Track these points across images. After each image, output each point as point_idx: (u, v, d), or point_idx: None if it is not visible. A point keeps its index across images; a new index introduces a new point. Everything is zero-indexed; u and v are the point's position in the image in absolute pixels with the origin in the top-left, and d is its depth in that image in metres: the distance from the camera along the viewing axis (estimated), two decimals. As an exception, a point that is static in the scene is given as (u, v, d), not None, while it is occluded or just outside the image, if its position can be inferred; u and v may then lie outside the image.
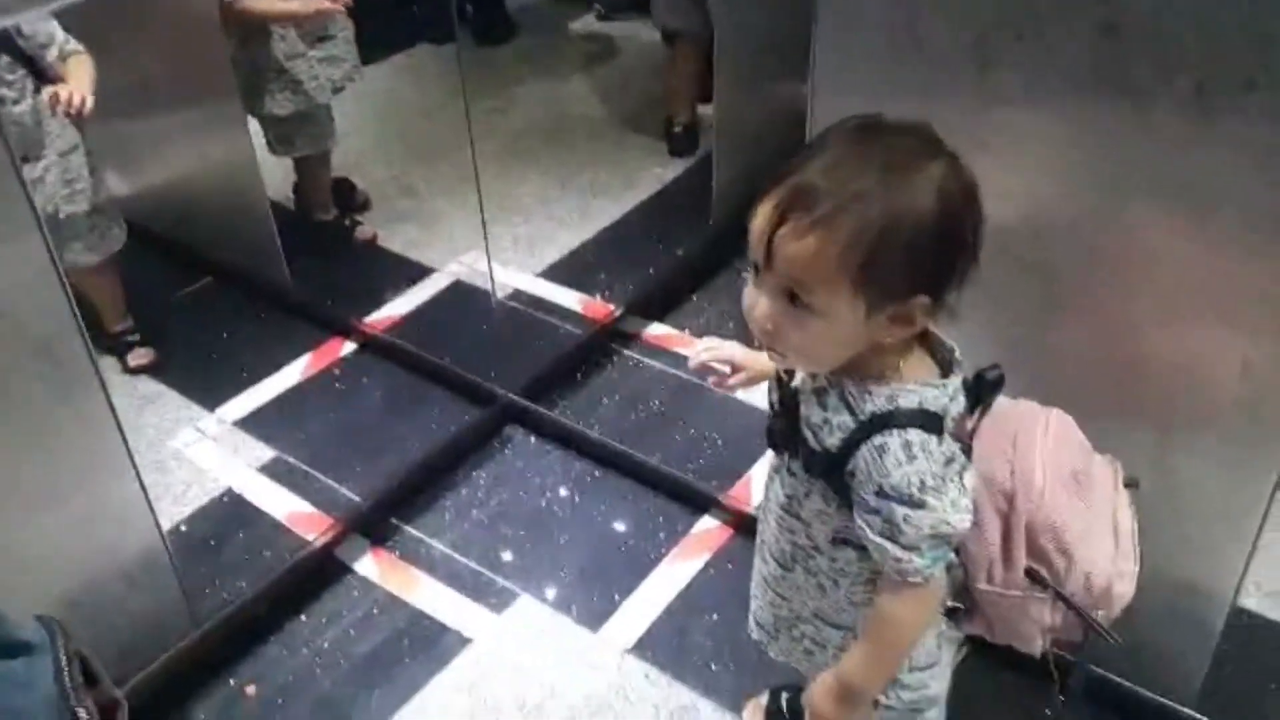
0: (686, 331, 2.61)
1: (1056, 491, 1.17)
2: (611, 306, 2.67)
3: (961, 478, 1.12)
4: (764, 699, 1.75)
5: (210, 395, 2.48)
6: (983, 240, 1.07)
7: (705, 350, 1.37)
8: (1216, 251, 1.31)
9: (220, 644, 1.90)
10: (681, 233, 2.88)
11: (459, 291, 2.79)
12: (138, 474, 1.72)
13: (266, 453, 2.33)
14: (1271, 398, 1.34)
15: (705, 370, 1.37)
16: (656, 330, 2.63)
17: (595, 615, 1.95)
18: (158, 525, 1.77)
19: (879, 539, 1.11)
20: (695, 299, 2.71)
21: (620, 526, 2.13)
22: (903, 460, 1.08)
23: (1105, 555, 1.19)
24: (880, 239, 1.01)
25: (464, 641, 1.92)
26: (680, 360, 2.52)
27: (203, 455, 2.33)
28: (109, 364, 2.52)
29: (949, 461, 1.10)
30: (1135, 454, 1.35)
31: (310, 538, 2.09)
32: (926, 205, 1.02)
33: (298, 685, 1.86)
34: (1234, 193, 1.27)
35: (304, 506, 2.19)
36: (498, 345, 2.59)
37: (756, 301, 1.10)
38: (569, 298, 2.74)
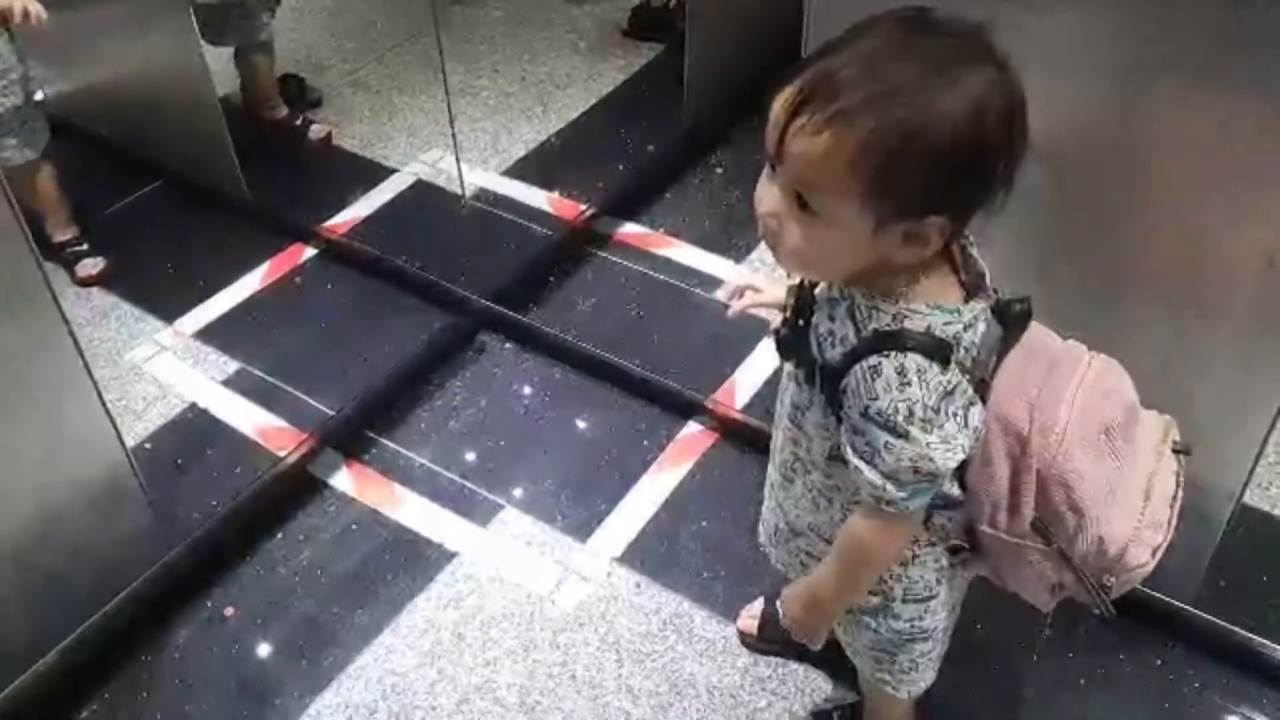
0: (661, 231, 2.52)
1: (1076, 445, 1.07)
2: (582, 206, 2.57)
3: (966, 414, 1.03)
4: (758, 606, 1.72)
5: (167, 306, 2.37)
6: (1019, 166, 0.97)
7: (739, 300, 1.32)
8: (1242, 142, 1.25)
9: (196, 565, 1.84)
10: (652, 126, 2.77)
11: (422, 192, 2.67)
12: (98, 391, 1.64)
13: (230, 365, 2.23)
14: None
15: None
16: (630, 229, 2.54)
17: (582, 525, 1.91)
18: (123, 445, 1.70)
19: (858, 461, 1.05)
20: (669, 196, 2.62)
21: (603, 434, 2.08)
22: (893, 385, 1.00)
23: (1126, 519, 1.10)
24: (901, 147, 0.91)
25: (449, 556, 1.87)
26: (657, 260, 2.45)
27: (163, 369, 2.23)
28: (58, 276, 2.40)
29: (948, 394, 1.01)
30: (1149, 349, 1.32)
31: (282, 453, 2.01)
32: (960, 117, 0.91)
33: (279, 605, 1.81)
34: (1262, 79, 1.20)
35: (273, 420, 2.11)
36: (466, 247, 2.49)
37: (765, 196, 1.01)
38: (537, 197, 2.64)
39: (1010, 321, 1.06)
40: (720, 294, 1.35)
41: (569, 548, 1.88)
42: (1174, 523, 1.13)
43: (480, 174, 2.70)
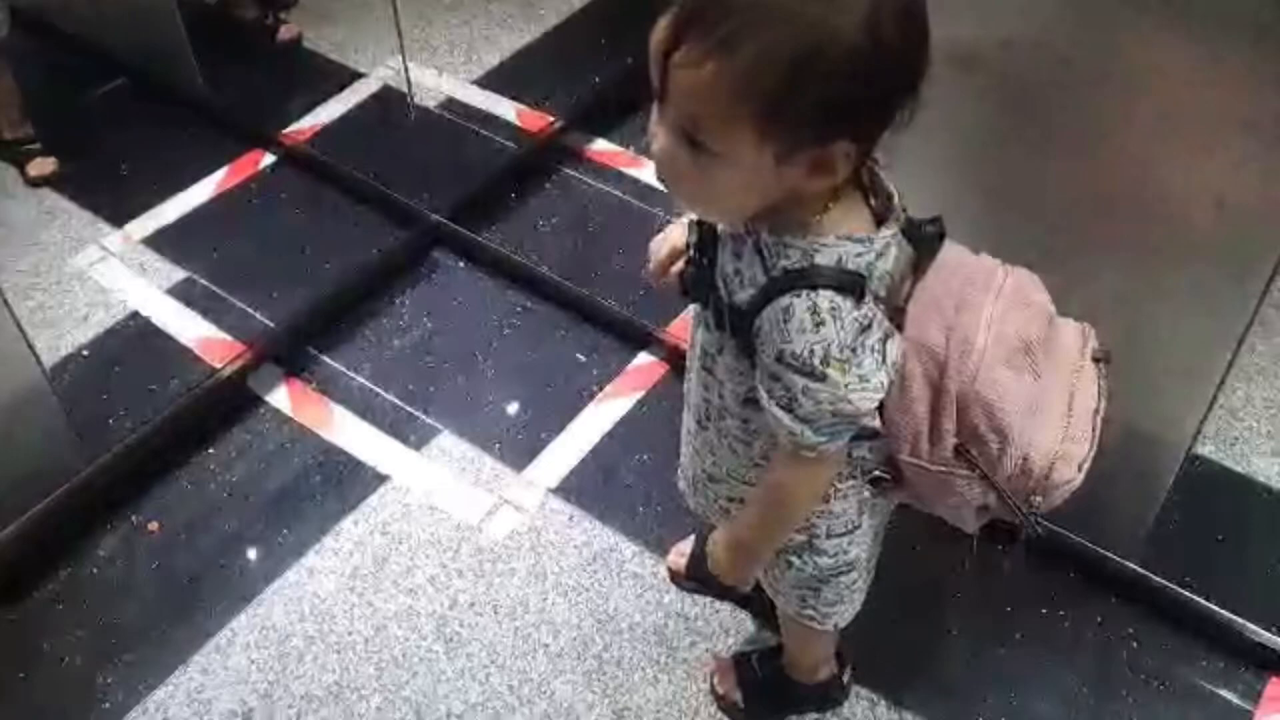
0: (631, 149, 2.43)
1: (997, 364, 1.01)
2: (550, 119, 2.48)
3: (883, 348, 0.98)
4: (688, 544, 1.68)
5: (117, 210, 2.31)
6: (924, 74, 0.89)
7: (655, 267, 1.18)
8: (1199, 76, 1.16)
9: (121, 478, 1.80)
10: (631, 40, 2.64)
11: (387, 98, 2.58)
12: (9, 310, 1.58)
13: (176, 273, 2.18)
14: (1244, 239, 1.22)
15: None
16: (599, 146, 2.45)
17: (520, 454, 1.86)
18: (37, 359, 1.65)
19: (775, 409, 0.99)
20: (643, 114, 2.51)
21: (552, 360, 2.01)
22: (808, 326, 0.94)
23: (1050, 436, 1.04)
24: (790, 73, 0.83)
25: (380, 479, 1.83)
26: (624, 180, 2.36)
27: (107, 275, 2.18)
28: (9, 175, 2.35)
29: (865, 329, 0.95)
30: (1100, 296, 1.24)
31: (220, 365, 1.96)
32: (851, 35, 0.83)
33: (204, 521, 1.77)
34: (1227, 11, 1.10)
35: (215, 332, 2.05)
36: (427, 160, 2.40)
37: (656, 134, 0.94)
38: (506, 108, 2.54)
39: (922, 243, 1.00)
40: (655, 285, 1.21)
41: (503, 476, 1.83)
42: (1098, 434, 1.07)
43: (450, 82, 2.61)
